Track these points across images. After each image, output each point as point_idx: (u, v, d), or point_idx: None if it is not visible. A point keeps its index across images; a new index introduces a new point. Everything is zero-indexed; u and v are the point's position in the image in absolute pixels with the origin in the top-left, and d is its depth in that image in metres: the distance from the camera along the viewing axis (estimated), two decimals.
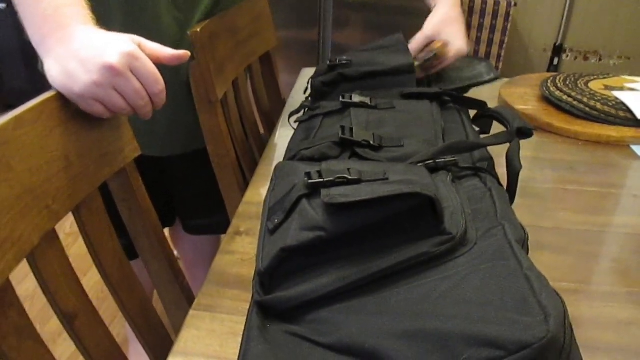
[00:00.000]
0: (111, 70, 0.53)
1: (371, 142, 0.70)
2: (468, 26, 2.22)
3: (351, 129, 0.71)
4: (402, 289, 0.48)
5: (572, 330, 0.39)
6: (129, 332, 1.29)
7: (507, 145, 0.68)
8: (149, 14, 0.84)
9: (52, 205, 0.51)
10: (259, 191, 0.82)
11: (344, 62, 0.94)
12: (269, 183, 0.63)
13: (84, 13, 0.59)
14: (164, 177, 1.02)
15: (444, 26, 0.95)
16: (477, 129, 0.81)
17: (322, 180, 0.54)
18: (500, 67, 2.32)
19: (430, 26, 0.95)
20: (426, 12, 1.00)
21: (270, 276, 0.53)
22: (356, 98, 0.83)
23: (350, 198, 0.48)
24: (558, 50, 2.53)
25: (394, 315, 0.45)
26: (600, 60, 2.53)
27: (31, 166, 0.49)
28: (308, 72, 1.32)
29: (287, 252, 0.51)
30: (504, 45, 2.19)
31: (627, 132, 0.99)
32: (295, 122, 0.86)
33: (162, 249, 0.68)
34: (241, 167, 0.96)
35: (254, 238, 0.71)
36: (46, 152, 0.51)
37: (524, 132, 0.70)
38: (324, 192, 0.53)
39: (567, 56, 2.56)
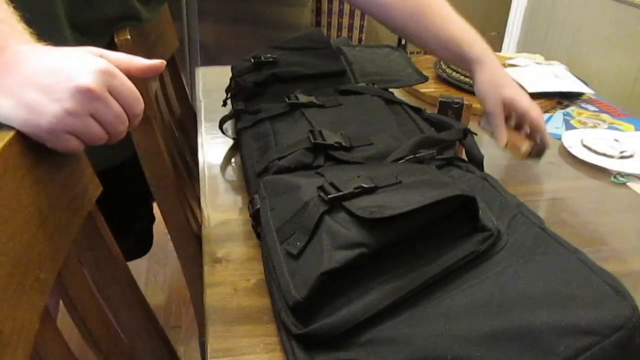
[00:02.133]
0: (87, 94, 0.43)
1: (342, 143, 0.68)
2: (329, 13, 2.27)
3: (320, 132, 0.68)
4: (456, 291, 0.47)
5: None
6: None
7: None
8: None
9: (40, 274, 0.40)
10: (216, 210, 0.75)
11: (270, 59, 0.90)
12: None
13: (20, 28, 0.47)
14: None
15: (503, 90, 0.82)
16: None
17: (341, 193, 0.51)
18: None
19: (494, 102, 0.82)
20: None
21: (305, 304, 0.49)
22: (302, 98, 0.79)
23: (395, 210, 0.46)
24: None
25: (464, 319, 0.44)
26: None
27: (12, 232, 0.38)
28: (206, 72, 1.23)
29: (327, 276, 0.48)
30: (364, 30, 2.29)
31: None
32: (241, 128, 0.79)
33: (135, 297, 0.59)
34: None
35: (237, 264, 0.65)
36: (21, 210, 0.40)
37: (469, 132, 0.74)
38: (350, 205, 0.50)
39: None
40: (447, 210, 0.50)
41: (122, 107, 0.46)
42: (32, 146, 0.44)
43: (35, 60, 0.44)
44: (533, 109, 0.82)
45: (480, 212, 0.50)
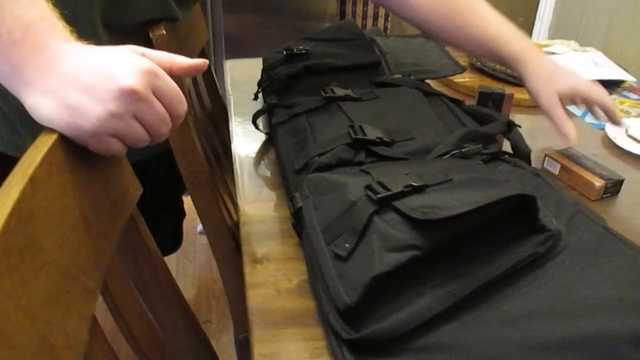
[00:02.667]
0: (131, 96, 0.41)
1: (384, 138, 0.66)
2: (354, 1, 2.23)
3: (361, 127, 0.66)
4: (515, 295, 0.45)
5: None
6: None
7: None
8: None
9: (87, 283, 0.39)
10: (253, 208, 0.73)
11: (303, 51, 0.87)
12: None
13: (60, 26, 0.45)
14: None
15: (555, 84, 0.77)
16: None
17: (390, 192, 0.49)
18: None
19: (547, 97, 0.77)
20: None
21: (355, 309, 0.47)
22: (338, 91, 0.77)
23: (451, 211, 0.44)
24: None
25: (527, 325, 0.42)
26: None
27: (59, 239, 0.37)
28: (234, 65, 1.21)
29: (379, 280, 0.46)
30: (389, 18, 2.24)
31: None
32: (276, 123, 0.77)
33: (176, 298, 0.57)
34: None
35: (278, 264, 0.63)
36: (67, 216, 0.39)
37: (514, 124, 0.71)
38: (401, 205, 0.48)
39: None
40: (504, 210, 0.47)
41: (166, 108, 0.45)
42: (74, 149, 0.43)
43: (77, 59, 0.43)
44: (593, 89, 0.77)
45: (539, 211, 0.47)
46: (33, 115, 0.42)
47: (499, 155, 0.65)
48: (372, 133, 0.66)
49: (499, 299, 0.45)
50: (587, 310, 0.41)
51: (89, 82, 0.41)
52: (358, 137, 0.64)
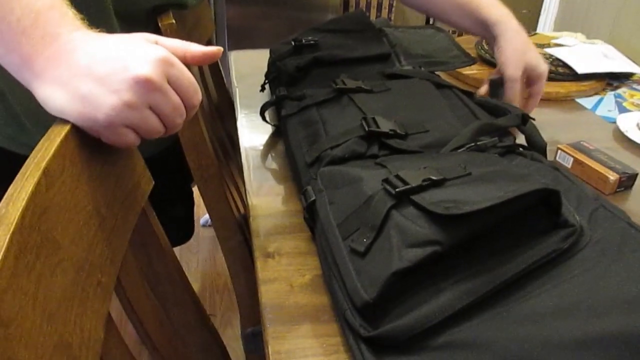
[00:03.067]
0: (146, 85, 0.40)
1: (397, 131, 0.64)
2: None
3: (374, 119, 0.65)
4: (538, 291, 0.44)
5: None
6: None
7: None
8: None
9: (102, 279, 0.38)
10: (261, 201, 0.72)
11: (311, 42, 0.86)
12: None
13: (71, 14, 0.44)
14: None
15: (527, 55, 0.80)
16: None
17: (409, 186, 0.48)
18: None
19: (515, 67, 0.79)
20: None
21: (373, 305, 0.46)
22: (349, 83, 0.76)
23: (474, 206, 0.43)
24: None
25: (551, 323, 0.41)
26: None
27: (73, 235, 0.36)
28: (238, 56, 1.20)
29: (399, 276, 0.44)
30: (393, 9, 2.22)
31: (571, 87, 1.05)
32: (286, 116, 0.76)
33: (188, 294, 0.56)
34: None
35: (290, 258, 0.62)
36: (80, 211, 0.37)
37: (528, 117, 0.70)
38: (420, 200, 0.47)
39: None
40: (526, 205, 0.46)
41: (180, 98, 0.43)
42: (86, 141, 0.41)
43: (89, 48, 0.41)
44: (545, 74, 0.81)
45: (562, 206, 0.46)
46: (45, 107, 0.41)
47: (514, 149, 0.64)
48: (386, 125, 0.64)
49: (521, 296, 0.44)
50: (613, 308, 0.40)
51: (102, 71, 0.40)
52: (371, 129, 0.63)
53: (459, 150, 0.61)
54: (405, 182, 0.48)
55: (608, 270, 0.43)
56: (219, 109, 1.05)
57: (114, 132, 0.41)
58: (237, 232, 0.83)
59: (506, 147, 0.63)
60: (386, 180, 0.49)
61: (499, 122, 0.67)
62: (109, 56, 0.41)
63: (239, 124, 0.92)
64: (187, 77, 0.43)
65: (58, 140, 0.37)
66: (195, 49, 0.46)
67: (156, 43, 0.44)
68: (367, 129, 0.63)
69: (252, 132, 0.88)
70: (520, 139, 0.70)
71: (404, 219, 0.46)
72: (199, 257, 1.69)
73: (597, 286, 0.42)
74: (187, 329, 0.59)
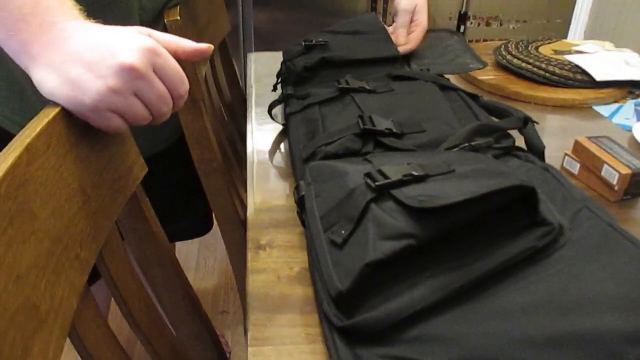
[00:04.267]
0: (131, 72, 0.42)
1: (393, 130, 0.65)
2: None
3: (370, 118, 0.65)
4: (512, 288, 0.44)
5: None
6: None
7: None
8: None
9: (80, 253, 0.40)
10: (262, 196, 0.74)
11: (321, 42, 0.87)
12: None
13: (69, 4, 0.46)
14: None
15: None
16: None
17: (389, 180, 0.48)
18: None
19: (407, 4, 0.95)
20: None
21: (348, 296, 0.46)
22: (352, 83, 0.77)
23: (447, 200, 0.43)
24: (463, 17, 2.62)
25: (522, 320, 0.41)
26: (501, 25, 2.66)
27: (53, 208, 0.38)
28: (258, 57, 1.22)
29: (372, 267, 0.45)
30: None
31: (588, 94, 1.03)
32: (290, 113, 0.78)
33: (179, 280, 0.58)
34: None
35: (280, 251, 0.63)
36: (63, 187, 0.40)
37: (530, 120, 0.69)
38: (398, 194, 0.47)
39: (471, 23, 2.66)
40: (504, 202, 0.46)
41: (167, 88, 0.45)
42: (77, 124, 0.44)
43: (81, 36, 0.44)
44: (424, 24, 0.96)
45: (540, 204, 0.46)
46: (40, 90, 0.44)
47: (510, 151, 0.63)
48: (382, 124, 0.65)
49: (495, 292, 0.44)
50: (586, 306, 0.39)
51: (91, 58, 0.42)
52: (367, 127, 0.64)
53: (453, 150, 0.61)
54: (386, 177, 0.49)
55: (583, 270, 0.42)
56: (232, 108, 1.07)
57: (100, 116, 0.43)
58: (239, 227, 0.84)
59: (502, 149, 0.63)
60: (368, 174, 0.50)
61: (496, 124, 0.66)
62: (99, 44, 0.43)
63: (249, 121, 0.94)
64: (173, 67, 0.45)
65: (45, 120, 0.40)
66: (186, 44, 0.48)
67: (149, 36, 0.46)
68: (362, 126, 0.64)
69: (261, 130, 0.90)
70: (520, 142, 0.70)
71: (381, 212, 0.47)
72: (217, 254, 1.72)
73: (570, 285, 0.41)
74: (179, 316, 0.60)
